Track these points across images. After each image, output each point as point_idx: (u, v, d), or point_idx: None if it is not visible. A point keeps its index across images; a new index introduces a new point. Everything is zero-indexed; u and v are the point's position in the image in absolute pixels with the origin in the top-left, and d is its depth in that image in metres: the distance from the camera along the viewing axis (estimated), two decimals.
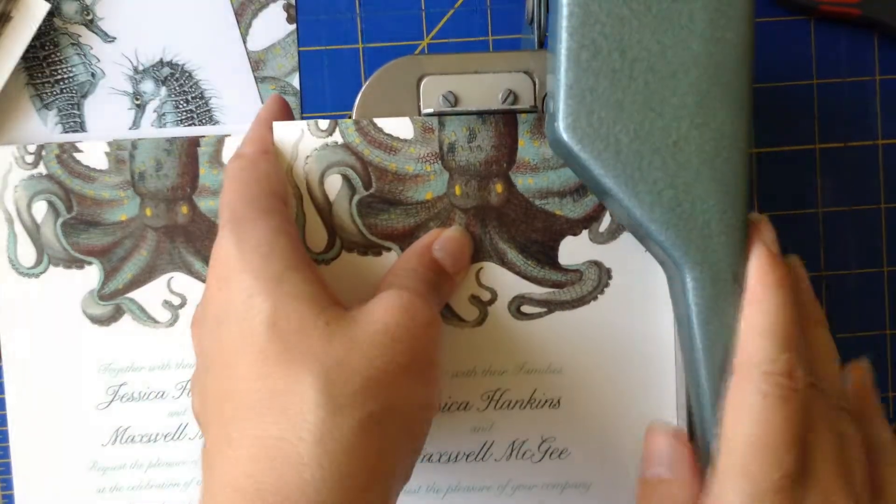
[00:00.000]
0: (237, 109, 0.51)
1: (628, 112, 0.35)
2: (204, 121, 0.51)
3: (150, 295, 0.49)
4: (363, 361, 0.34)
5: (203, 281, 0.49)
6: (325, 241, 0.42)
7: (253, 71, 0.51)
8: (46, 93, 0.51)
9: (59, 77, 0.51)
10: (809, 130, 0.52)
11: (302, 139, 0.42)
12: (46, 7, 0.49)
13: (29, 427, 0.49)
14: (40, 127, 0.51)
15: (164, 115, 0.51)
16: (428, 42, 0.52)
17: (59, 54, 0.51)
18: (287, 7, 0.51)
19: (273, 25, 0.51)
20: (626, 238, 0.42)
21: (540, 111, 0.41)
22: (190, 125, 0.51)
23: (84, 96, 0.51)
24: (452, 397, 0.43)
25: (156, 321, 0.49)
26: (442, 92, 0.41)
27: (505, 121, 0.42)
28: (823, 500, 0.34)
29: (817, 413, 0.35)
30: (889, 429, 0.39)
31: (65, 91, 0.51)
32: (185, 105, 0.51)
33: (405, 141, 0.42)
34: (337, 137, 0.42)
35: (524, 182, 0.42)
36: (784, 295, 0.35)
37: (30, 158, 0.49)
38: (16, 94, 0.51)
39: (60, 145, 0.50)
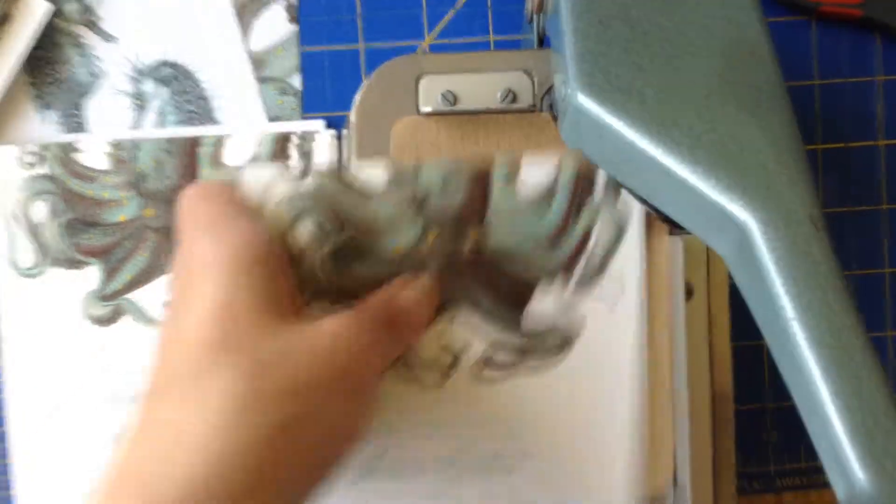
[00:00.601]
0: (238, 110, 0.51)
1: (648, 71, 0.33)
2: (205, 121, 0.51)
3: (150, 295, 0.49)
4: (291, 367, 0.34)
5: None
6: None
7: (254, 71, 0.51)
8: (48, 93, 0.51)
9: (60, 77, 0.51)
10: (811, 131, 0.52)
11: (273, 184, 0.39)
12: (48, 7, 0.49)
13: (29, 427, 0.49)
14: (41, 127, 0.51)
15: (164, 115, 0.51)
16: (429, 42, 0.52)
17: (60, 55, 0.51)
18: (288, 7, 0.51)
19: (274, 26, 0.51)
20: (593, 301, 0.40)
21: (538, 109, 0.41)
22: (191, 125, 0.51)
23: (85, 96, 0.51)
24: (407, 459, 0.41)
25: (155, 322, 0.49)
26: (441, 91, 0.41)
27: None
28: None
29: None
30: None
31: (66, 91, 0.51)
32: (186, 105, 0.51)
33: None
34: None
35: (496, 233, 0.40)
36: None
37: (30, 158, 0.49)
38: (17, 95, 0.51)
39: (61, 145, 0.50)
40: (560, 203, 0.39)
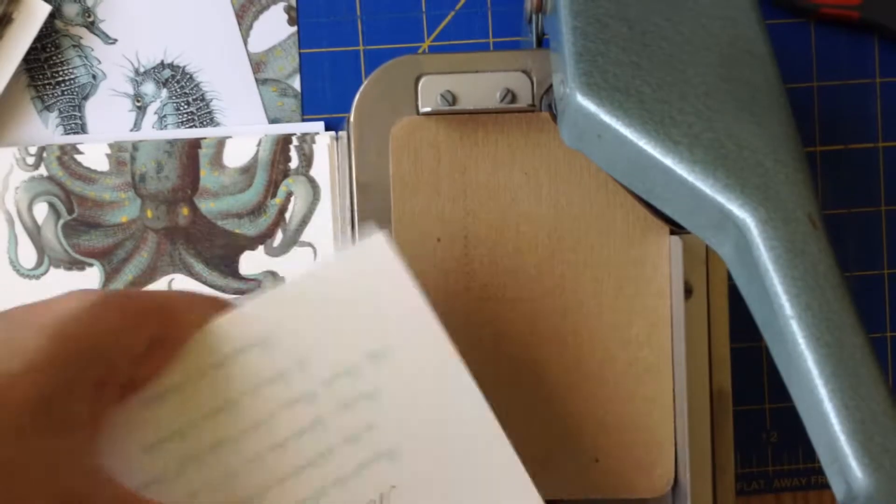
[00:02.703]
0: (238, 111, 0.51)
1: (647, 69, 0.33)
2: (205, 122, 0.51)
3: None
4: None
5: (203, 283, 0.49)
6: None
7: (254, 73, 0.51)
8: (48, 94, 0.51)
9: (60, 79, 0.51)
10: (810, 133, 0.52)
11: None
12: (48, 9, 0.49)
13: None
14: (41, 129, 0.51)
15: (164, 116, 0.51)
16: (429, 44, 0.52)
17: (60, 56, 0.51)
18: (288, 9, 0.51)
19: (274, 27, 0.52)
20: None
21: (538, 109, 0.41)
22: (191, 127, 0.51)
23: (85, 98, 0.51)
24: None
25: None
26: (440, 91, 0.41)
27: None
28: None
29: None
30: None
31: (66, 93, 0.51)
32: (185, 107, 0.51)
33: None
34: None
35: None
36: None
37: (31, 160, 0.50)
38: (17, 96, 0.51)
39: (61, 147, 0.50)
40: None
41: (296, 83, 0.52)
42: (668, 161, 0.32)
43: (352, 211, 0.42)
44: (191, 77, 0.51)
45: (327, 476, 0.36)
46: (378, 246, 0.37)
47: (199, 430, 0.35)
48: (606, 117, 0.32)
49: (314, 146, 0.50)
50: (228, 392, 0.35)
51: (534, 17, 0.42)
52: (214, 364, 0.35)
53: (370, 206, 0.42)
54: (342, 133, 0.46)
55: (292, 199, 0.50)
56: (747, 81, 0.33)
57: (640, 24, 0.34)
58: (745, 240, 0.31)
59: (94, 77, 0.51)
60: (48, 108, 0.51)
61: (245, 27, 0.51)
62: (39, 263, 0.49)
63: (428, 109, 0.41)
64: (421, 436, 0.37)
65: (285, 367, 0.36)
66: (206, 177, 0.50)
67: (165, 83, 0.51)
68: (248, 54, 0.52)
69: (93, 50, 0.51)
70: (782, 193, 0.31)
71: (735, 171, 0.31)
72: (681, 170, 0.31)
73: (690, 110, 0.32)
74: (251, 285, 0.50)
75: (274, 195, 0.50)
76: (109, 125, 0.51)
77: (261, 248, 0.50)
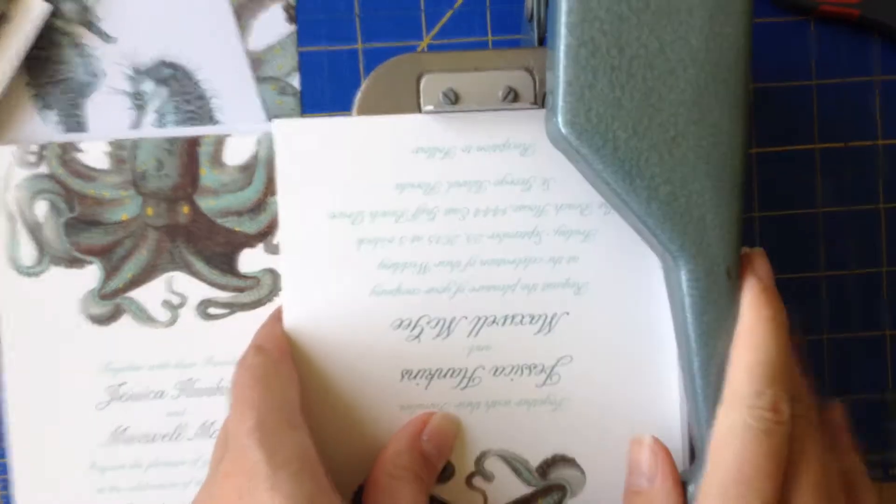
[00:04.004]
0: (237, 109, 0.51)
1: (627, 108, 0.36)
2: (204, 121, 0.51)
3: (150, 294, 0.50)
4: None
5: (203, 280, 0.49)
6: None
7: (253, 71, 0.51)
8: (47, 93, 0.51)
9: (59, 77, 0.51)
10: (809, 131, 0.52)
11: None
12: (47, 7, 0.49)
13: (28, 426, 0.49)
14: (41, 127, 0.51)
15: (164, 115, 0.51)
16: (427, 42, 0.52)
17: (59, 54, 0.51)
18: (287, 7, 0.51)
19: (273, 25, 0.51)
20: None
21: (540, 107, 0.41)
22: (190, 125, 0.51)
23: (84, 96, 0.51)
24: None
25: (155, 321, 0.49)
26: (442, 89, 0.41)
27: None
28: None
29: (804, 443, 0.36)
30: (861, 460, 0.41)
31: (65, 91, 0.51)
32: (185, 105, 0.51)
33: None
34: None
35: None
36: (776, 329, 0.36)
37: (31, 158, 0.49)
38: (16, 94, 0.51)
39: (61, 145, 0.50)
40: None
41: (295, 81, 0.52)
42: (630, 200, 0.37)
43: None
44: (190, 75, 0.51)
45: (521, 278, 0.43)
46: None
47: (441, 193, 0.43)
48: (584, 153, 0.36)
49: None
50: (478, 173, 0.42)
51: (535, 15, 0.42)
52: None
53: None
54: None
55: None
56: (714, 124, 0.36)
57: (630, 45, 0.36)
58: (675, 274, 0.37)
59: (93, 75, 0.51)
60: (47, 107, 0.51)
61: (244, 25, 0.51)
62: (39, 261, 0.49)
63: (430, 108, 0.41)
64: (607, 289, 0.43)
65: (532, 176, 0.42)
66: (206, 175, 0.50)
67: (165, 81, 0.51)
68: (247, 52, 0.51)
69: (92, 48, 0.51)
70: (713, 248, 0.37)
71: (680, 225, 0.37)
72: (638, 211, 0.37)
73: (655, 160, 0.36)
74: (251, 283, 0.50)
75: (273, 193, 0.50)
76: (109, 123, 0.51)
77: (260, 245, 0.50)
